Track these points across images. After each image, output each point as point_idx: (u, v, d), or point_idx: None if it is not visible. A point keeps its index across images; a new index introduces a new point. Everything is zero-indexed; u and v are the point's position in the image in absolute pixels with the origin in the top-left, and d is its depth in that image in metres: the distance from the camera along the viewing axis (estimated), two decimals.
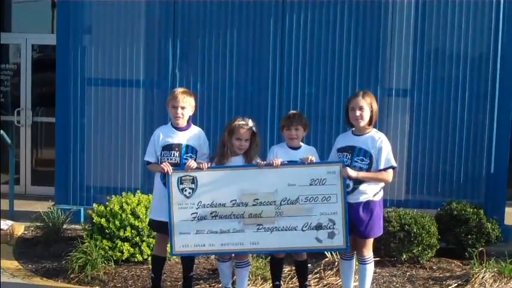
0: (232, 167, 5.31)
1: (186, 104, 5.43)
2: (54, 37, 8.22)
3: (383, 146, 5.18)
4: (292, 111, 5.58)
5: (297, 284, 5.78)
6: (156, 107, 7.78)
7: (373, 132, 5.26)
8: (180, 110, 5.40)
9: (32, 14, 9.69)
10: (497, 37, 7.43)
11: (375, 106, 5.24)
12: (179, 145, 5.40)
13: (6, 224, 7.14)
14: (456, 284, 6.00)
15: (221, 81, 7.73)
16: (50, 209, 7.25)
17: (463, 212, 6.78)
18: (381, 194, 5.30)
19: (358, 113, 5.18)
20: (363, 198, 5.19)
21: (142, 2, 7.81)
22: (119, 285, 5.94)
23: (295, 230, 5.20)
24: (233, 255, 5.51)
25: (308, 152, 5.37)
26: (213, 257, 6.42)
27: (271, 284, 5.75)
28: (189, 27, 7.73)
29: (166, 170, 5.23)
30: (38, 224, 7.12)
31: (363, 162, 5.17)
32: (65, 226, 7.13)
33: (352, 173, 5.12)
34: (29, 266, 6.39)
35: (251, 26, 7.67)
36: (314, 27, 7.58)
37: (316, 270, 6.10)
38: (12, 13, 9.75)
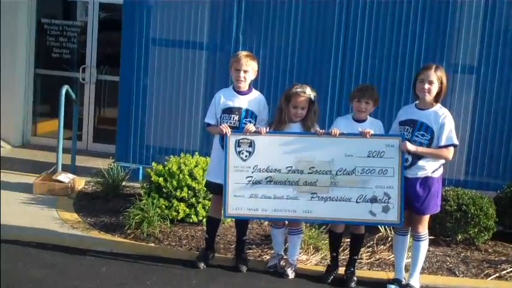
0: (291, 134, 5.33)
1: (249, 68, 5.44)
2: None
3: (446, 122, 5.08)
4: (365, 84, 5.56)
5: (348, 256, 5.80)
6: (218, 70, 7.80)
7: (437, 107, 5.16)
8: (242, 74, 5.41)
9: None
10: None
11: (445, 82, 5.11)
12: (239, 109, 5.43)
13: (67, 177, 7.35)
14: (511, 269, 5.89)
15: (284, 47, 7.67)
16: (110, 165, 7.44)
17: None
18: (441, 170, 5.22)
19: (426, 86, 5.07)
20: (421, 174, 5.13)
21: None
22: (173, 243, 6.06)
23: (349, 201, 5.20)
24: (286, 222, 5.54)
25: (373, 125, 5.32)
26: (266, 223, 6.49)
27: (322, 254, 5.80)
28: None
29: (225, 132, 5.27)
30: (98, 179, 7.31)
31: (424, 138, 5.09)
32: (123, 183, 7.30)
33: (411, 147, 5.05)
34: (88, 219, 6.58)
35: None
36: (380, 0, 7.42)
37: (369, 244, 6.08)
38: None
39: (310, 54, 7.65)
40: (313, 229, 6.03)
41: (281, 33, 7.68)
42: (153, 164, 6.80)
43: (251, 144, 5.29)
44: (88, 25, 9.36)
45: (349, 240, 5.66)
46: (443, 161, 5.21)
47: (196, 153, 6.94)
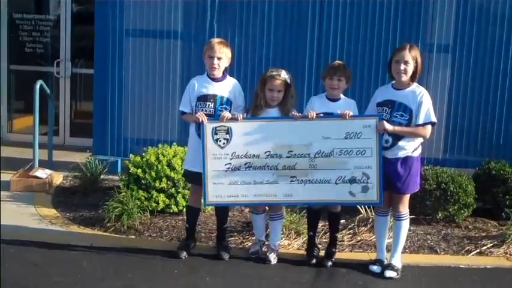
0: (268, 119, 5.31)
1: (223, 55, 5.40)
2: None
3: (424, 101, 5.08)
4: (337, 61, 5.50)
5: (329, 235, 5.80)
6: (193, 59, 7.71)
7: (414, 86, 5.16)
8: (216, 61, 5.37)
9: None
10: None
11: (420, 61, 5.10)
12: (214, 96, 5.39)
13: (45, 173, 7.27)
14: (492, 244, 5.93)
15: (259, 34, 7.62)
16: (88, 159, 7.39)
17: (501, 171, 6.66)
18: (420, 149, 5.24)
19: (402, 66, 5.06)
20: (401, 154, 5.14)
21: None
22: (154, 235, 6.03)
23: (329, 183, 5.21)
24: (267, 208, 5.53)
25: (347, 104, 5.32)
26: (247, 210, 6.47)
27: (304, 238, 5.79)
28: None
29: (201, 120, 5.24)
30: (76, 173, 7.25)
31: (403, 118, 5.09)
32: (102, 176, 7.25)
33: (388, 126, 5.05)
34: (67, 214, 6.52)
35: None
36: None
37: (350, 226, 6.10)
38: None
39: (285, 40, 7.61)
40: (294, 214, 6.02)
41: (256, 20, 7.63)
42: (131, 155, 6.74)
43: (228, 131, 5.26)
44: (61, 18, 9.31)
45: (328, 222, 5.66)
46: (422, 140, 5.22)
47: (175, 143, 6.90)
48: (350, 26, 7.47)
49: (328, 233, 5.68)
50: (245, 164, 5.26)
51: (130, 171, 6.50)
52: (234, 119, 5.26)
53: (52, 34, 9.46)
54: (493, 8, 7.29)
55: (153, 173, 6.39)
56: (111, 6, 7.78)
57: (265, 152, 5.25)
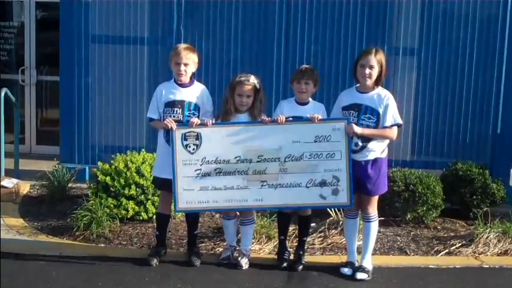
0: (237, 124, 5.31)
1: (189, 61, 5.39)
2: None
3: (390, 103, 5.15)
4: (304, 65, 5.54)
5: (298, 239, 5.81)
6: (160, 64, 7.66)
7: (379, 89, 5.21)
8: (183, 67, 5.36)
9: None
10: None
11: (385, 65, 5.16)
12: (182, 102, 5.38)
13: (11, 182, 7.15)
14: (460, 244, 6.01)
15: (226, 38, 7.62)
16: (55, 167, 7.28)
17: (468, 172, 6.76)
18: (386, 151, 5.31)
19: (367, 71, 5.10)
20: (371, 156, 5.19)
21: None
22: (124, 242, 5.97)
23: (300, 186, 5.22)
24: (238, 213, 5.52)
25: (316, 108, 5.35)
26: (217, 215, 6.46)
27: (275, 243, 5.79)
28: None
29: (170, 126, 5.21)
30: (44, 182, 7.13)
31: (370, 120, 5.14)
32: (70, 185, 7.15)
33: (357, 129, 5.09)
34: (35, 223, 6.42)
35: None
36: None
37: (320, 229, 6.11)
38: None
39: (252, 44, 7.63)
40: (265, 218, 6.03)
41: (223, 25, 7.62)
42: (99, 163, 6.66)
43: (198, 136, 5.24)
44: (25, 25, 9.19)
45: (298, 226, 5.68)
46: (388, 142, 5.27)
47: (143, 149, 6.84)
48: (317, 29, 7.51)
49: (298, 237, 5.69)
50: (215, 170, 5.24)
51: (99, 178, 6.43)
52: (203, 124, 5.25)
53: (16, 41, 9.33)
54: (457, 11, 7.41)
55: (122, 180, 6.33)
56: (76, 12, 7.70)
57: (235, 157, 5.24)
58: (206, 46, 7.54)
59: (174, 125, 5.23)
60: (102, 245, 5.91)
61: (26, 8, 9.16)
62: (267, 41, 7.58)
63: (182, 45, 5.54)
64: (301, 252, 5.54)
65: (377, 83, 5.18)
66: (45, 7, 9.34)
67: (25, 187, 7.38)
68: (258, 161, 5.23)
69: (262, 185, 5.23)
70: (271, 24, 7.55)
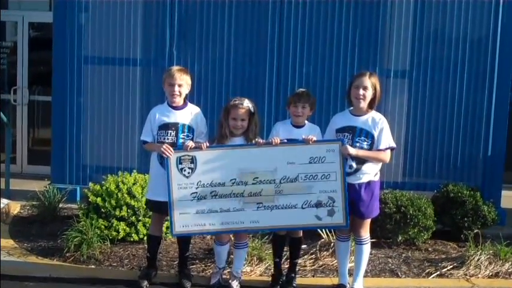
0: (232, 146, 5.31)
1: (183, 82, 5.40)
2: (51, 15, 8.14)
3: (384, 127, 5.19)
4: (301, 89, 5.59)
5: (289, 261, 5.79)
6: (153, 86, 7.70)
7: (373, 113, 5.25)
8: (176, 88, 5.37)
9: None
10: (497, 19, 7.39)
11: (379, 88, 5.20)
12: (176, 124, 5.37)
13: (2, 202, 7.12)
14: (452, 266, 6.01)
15: (219, 60, 7.66)
16: (46, 188, 7.25)
17: (459, 194, 6.78)
18: (379, 174, 5.33)
19: (361, 92, 5.14)
20: (365, 179, 5.20)
21: None
22: (115, 264, 5.94)
23: (295, 207, 5.22)
24: (232, 238, 5.51)
25: (312, 130, 5.38)
26: (208, 237, 6.43)
27: (266, 264, 5.78)
28: (186, 6, 7.64)
29: (167, 155, 5.20)
30: (34, 202, 7.10)
31: (364, 143, 5.17)
32: (61, 205, 7.12)
33: (352, 150, 5.11)
34: (25, 244, 6.38)
35: (249, 4, 7.59)
36: (313, 7, 7.51)
37: (312, 251, 6.10)
38: None
39: (245, 65, 7.67)
40: (256, 240, 6.01)
41: (215, 47, 7.67)
42: (90, 184, 6.64)
43: (193, 160, 5.24)
44: (18, 45, 9.21)
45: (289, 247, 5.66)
46: (381, 164, 5.29)
47: (135, 170, 6.81)
48: (309, 52, 7.57)
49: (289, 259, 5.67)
50: (211, 193, 5.23)
51: (90, 199, 6.40)
52: (197, 147, 5.24)
53: (9, 61, 9.34)
54: (447, 33, 7.47)
55: (113, 201, 6.31)
56: (69, 33, 7.73)
57: (231, 180, 5.23)
58: (198, 68, 7.59)
59: (171, 152, 5.21)
60: (93, 266, 5.87)
61: (19, 28, 9.19)
62: (259, 64, 7.63)
63: (176, 67, 5.56)
64: (293, 275, 5.52)
65: (371, 106, 5.21)
66: (38, 27, 9.39)
67: (16, 207, 7.35)
68: (253, 183, 5.22)
69: (258, 207, 5.23)
70: (263, 47, 7.60)
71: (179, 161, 5.23)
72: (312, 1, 7.51)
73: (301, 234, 5.55)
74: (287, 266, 5.72)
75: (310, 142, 5.19)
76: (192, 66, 7.50)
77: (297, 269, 5.62)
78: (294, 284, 5.47)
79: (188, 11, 7.65)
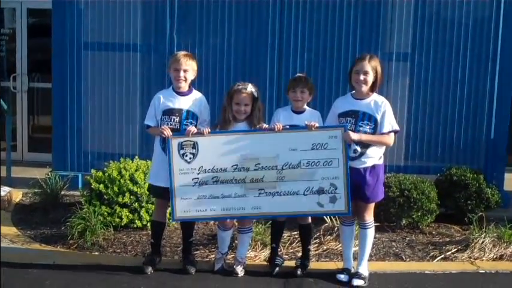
0: (234, 132, 5.29)
1: (189, 67, 5.37)
2: (49, 1, 8.06)
3: (387, 110, 5.15)
4: (298, 74, 5.56)
5: (296, 249, 5.81)
6: (153, 71, 7.68)
7: (375, 96, 5.21)
8: (182, 73, 5.34)
9: None
10: (500, 0, 7.32)
11: (380, 71, 5.16)
12: (180, 110, 5.35)
13: (3, 190, 7.10)
14: (456, 249, 6.00)
15: (219, 45, 7.61)
16: (48, 175, 7.22)
17: (462, 177, 6.76)
18: (383, 157, 5.30)
19: (362, 77, 5.10)
20: (369, 163, 5.18)
21: None
22: (118, 250, 5.93)
23: (297, 194, 5.20)
24: (236, 223, 5.50)
25: (312, 115, 5.35)
26: (212, 223, 6.43)
27: (270, 250, 5.75)
28: None
29: (166, 134, 5.18)
30: (36, 190, 7.08)
31: (368, 127, 5.13)
32: (63, 192, 7.10)
33: (354, 135, 5.08)
34: (28, 232, 6.38)
35: None
36: None
37: (316, 235, 6.08)
38: None
39: (246, 50, 7.62)
40: (260, 225, 6.00)
41: (216, 31, 7.62)
42: (92, 171, 6.61)
43: (194, 145, 5.22)
44: (17, 32, 9.17)
45: (296, 233, 5.66)
46: (385, 148, 5.27)
47: (136, 157, 6.79)
48: (310, 35, 7.52)
49: (296, 243, 5.66)
50: (212, 178, 5.22)
51: (92, 186, 6.38)
52: (199, 133, 5.22)
53: (7, 48, 9.28)
54: (450, 16, 7.42)
55: (115, 188, 6.29)
56: (69, 19, 7.68)
57: (233, 166, 5.22)
58: (199, 53, 7.51)
59: (169, 133, 5.20)
60: (96, 253, 5.86)
61: (17, 14, 9.12)
62: (260, 49, 7.57)
63: (181, 52, 5.52)
64: (306, 263, 5.51)
65: (372, 89, 5.18)
66: (37, 14, 9.33)
67: (18, 195, 7.34)
68: (255, 169, 5.20)
69: (260, 193, 5.21)
70: (264, 32, 7.54)
71: (181, 146, 5.21)
72: None
73: (310, 221, 5.53)
74: (290, 250, 5.72)
75: (313, 128, 5.16)
76: (193, 51, 7.40)
77: (310, 256, 5.60)
78: (306, 271, 5.45)
79: None
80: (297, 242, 5.91)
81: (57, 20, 7.73)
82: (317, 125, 5.21)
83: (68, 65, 7.70)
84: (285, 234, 5.86)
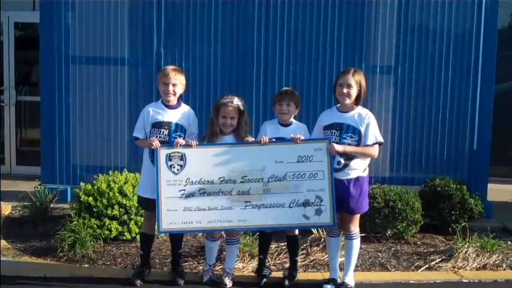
0: (220, 145, 5.36)
1: (177, 82, 5.46)
2: (36, 14, 8.14)
3: (371, 122, 5.25)
4: (285, 88, 5.67)
5: (284, 260, 5.89)
6: (141, 84, 7.75)
7: (359, 108, 5.32)
8: (171, 87, 5.42)
9: None
10: (481, 13, 7.49)
11: (364, 85, 5.27)
12: (169, 123, 5.43)
13: None
14: (440, 259, 6.11)
15: (206, 58, 7.70)
16: (37, 188, 7.26)
17: (446, 188, 6.88)
18: (367, 169, 5.39)
19: (345, 90, 5.21)
20: (353, 175, 5.26)
21: None
22: (108, 263, 5.98)
23: (283, 207, 5.26)
24: (224, 234, 5.57)
25: (299, 128, 5.45)
26: (200, 234, 6.48)
27: (258, 261, 5.83)
28: (173, 4, 7.66)
29: (154, 145, 5.25)
30: (25, 203, 7.12)
31: (352, 139, 5.23)
32: (52, 205, 7.14)
33: (338, 147, 5.17)
34: (18, 245, 6.41)
35: (235, 2, 7.62)
36: (299, 4, 7.56)
37: (303, 246, 6.16)
38: None
39: (232, 64, 7.71)
40: (248, 236, 6.07)
41: (202, 45, 7.70)
42: (82, 183, 6.66)
43: (182, 157, 5.29)
44: (4, 45, 9.17)
45: (284, 244, 5.74)
46: (369, 160, 5.37)
47: (125, 169, 6.85)
48: (295, 49, 7.63)
49: (283, 254, 5.73)
50: (199, 190, 5.27)
51: (82, 199, 6.43)
52: (187, 145, 5.29)
53: None
54: (432, 28, 7.56)
55: (104, 201, 6.34)
56: (56, 33, 7.74)
57: (219, 178, 5.27)
58: (186, 66, 7.57)
59: (158, 144, 5.27)
60: (86, 265, 5.91)
61: (4, 28, 9.15)
62: (247, 62, 7.66)
63: (170, 67, 5.61)
64: (294, 274, 5.58)
65: (357, 102, 5.29)
66: (24, 27, 9.36)
67: (7, 208, 7.36)
68: (241, 182, 5.26)
69: (246, 206, 5.26)
70: (250, 45, 7.64)
71: (169, 157, 5.27)
72: (297, 0, 7.55)
73: (297, 232, 5.61)
74: (278, 262, 5.80)
75: (298, 141, 5.25)
76: (180, 64, 7.47)
77: (297, 267, 5.67)
78: (293, 281, 5.52)
79: (175, 9, 7.67)
80: (284, 253, 5.98)
81: (44, 33, 7.80)
82: (302, 137, 5.29)
83: (56, 79, 7.76)
84: (273, 246, 5.94)
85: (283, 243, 5.93)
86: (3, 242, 6.46)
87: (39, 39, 7.86)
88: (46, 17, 7.78)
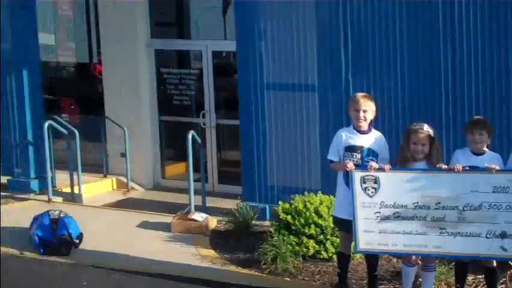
0: (414, 170, 5.53)
1: (368, 108, 5.77)
2: (229, 43, 8.85)
3: None
4: (477, 116, 5.79)
5: None
6: (331, 110, 8.05)
7: None
8: (362, 113, 5.74)
9: (208, 20, 10.35)
10: None
11: None
12: (361, 147, 5.73)
13: (201, 216, 7.93)
14: None
15: (393, 84, 7.80)
16: (239, 205, 7.93)
17: None
18: None
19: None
20: None
21: (313, 6, 8.07)
22: (307, 278, 6.42)
23: (479, 236, 5.31)
24: (419, 261, 5.72)
25: (492, 158, 5.48)
26: (395, 260, 6.62)
27: None
28: (359, 32, 7.87)
29: (350, 168, 5.56)
30: (229, 218, 7.82)
31: None
32: (252, 222, 7.76)
33: None
34: (225, 255, 7.09)
35: (420, 26, 7.64)
36: (484, 25, 7.33)
37: (502, 281, 5.99)
38: (191, 20, 10.56)
39: (420, 88, 7.66)
40: (443, 265, 6.09)
41: (389, 71, 7.78)
42: (280, 202, 7.19)
43: (376, 180, 5.51)
44: (204, 72, 9.85)
45: (481, 277, 5.77)
46: None
47: (320, 191, 7.23)
48: (483, 70, 7.35)
49: (481, 287, 5.74)
50: (394, 214, 5.47)
51: (281, 217, 6.95)
52: (381, 168, 5.53)
53: (196, 87, 10.12)
54: None
55: (302, 220, 6.81)
56: (251, 61, 8.31)
57: (413, 203, 5.44)
58: (374, 94, 7.65)
59: (352, 166, 5.57)
60: (287, 279, 6.40)
61: (204, 56, 9.89)
62: (434, 89, 7.62)
63: (360, 94, 5.94)
64: None
65: None
66: (220, 55, 10.14)
67: (213, 222, 8.12)
68: (436, 208, 5.38)
69: (441, 232, 5.38)
70: (437, 70, 7.57)
71: (363, 180, 5.53)
72: (483, 20, 7.32)
73: (495, 264, 5.58)
74: None
75: (493, 171, 5.29)
76: (368, 91, 7.66)
77: None
78: None
79: (360, 36, 7.86)
80: (482, 286, 5.97)
81: (241, 62, 8.43)
82: (498, 168, 5.33)
83: (252, 104, 8.34)
84: (470, 277, 5.92)
85: (480, 276, 5.91)
86: (212, 252, 7.20)
87: (237, 68, 8.52)
88: (242, 46, 8.42)
